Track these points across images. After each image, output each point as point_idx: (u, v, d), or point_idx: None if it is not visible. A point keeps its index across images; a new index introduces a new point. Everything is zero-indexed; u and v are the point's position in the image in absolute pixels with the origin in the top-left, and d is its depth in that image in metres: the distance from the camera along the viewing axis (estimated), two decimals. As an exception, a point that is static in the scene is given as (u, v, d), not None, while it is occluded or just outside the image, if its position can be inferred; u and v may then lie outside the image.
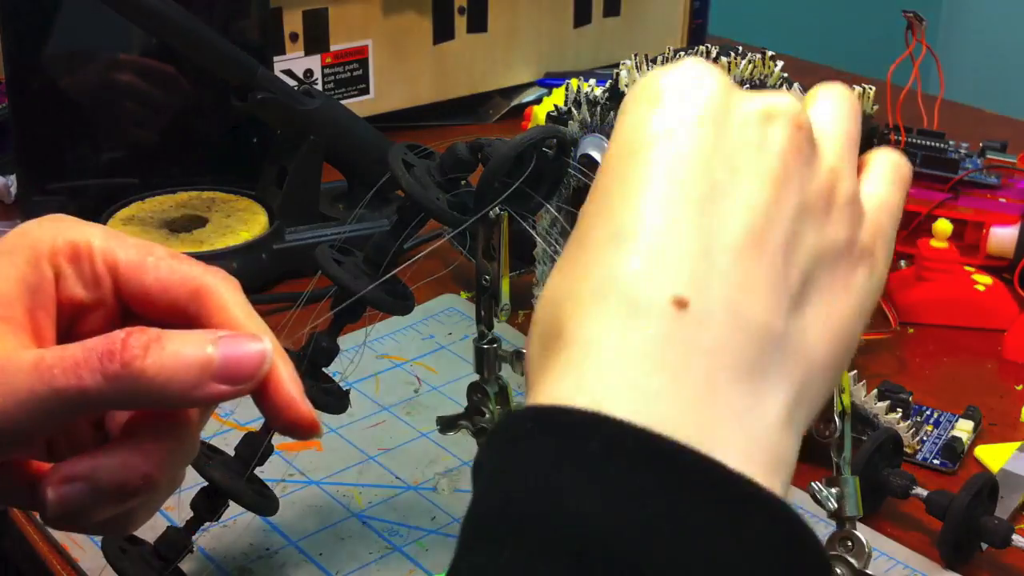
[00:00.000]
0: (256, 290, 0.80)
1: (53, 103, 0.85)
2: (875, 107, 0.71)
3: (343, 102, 0.97)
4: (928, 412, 0.69)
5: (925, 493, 0.58)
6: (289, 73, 1.01)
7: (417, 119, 1.13)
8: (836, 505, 0.47)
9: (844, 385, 0.47)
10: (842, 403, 0.47)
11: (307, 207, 0.84)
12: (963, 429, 0.67)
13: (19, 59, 0.82)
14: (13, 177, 0.91)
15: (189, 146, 0.91)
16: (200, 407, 0.41)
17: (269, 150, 0.87)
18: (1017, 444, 0.66)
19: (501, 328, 0.58)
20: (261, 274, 0.80)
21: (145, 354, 0.36)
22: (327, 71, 1.04)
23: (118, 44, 0.88)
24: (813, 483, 0.47)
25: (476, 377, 0.58)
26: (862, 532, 0.47)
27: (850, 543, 0.47)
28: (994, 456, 0.65)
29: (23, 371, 0.36)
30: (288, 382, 0.40)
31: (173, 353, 0.37)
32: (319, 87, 1.03)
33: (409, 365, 0.73)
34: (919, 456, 0.65)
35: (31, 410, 0.36)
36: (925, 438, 0.66)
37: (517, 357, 0.57)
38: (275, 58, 0.98)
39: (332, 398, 0.55)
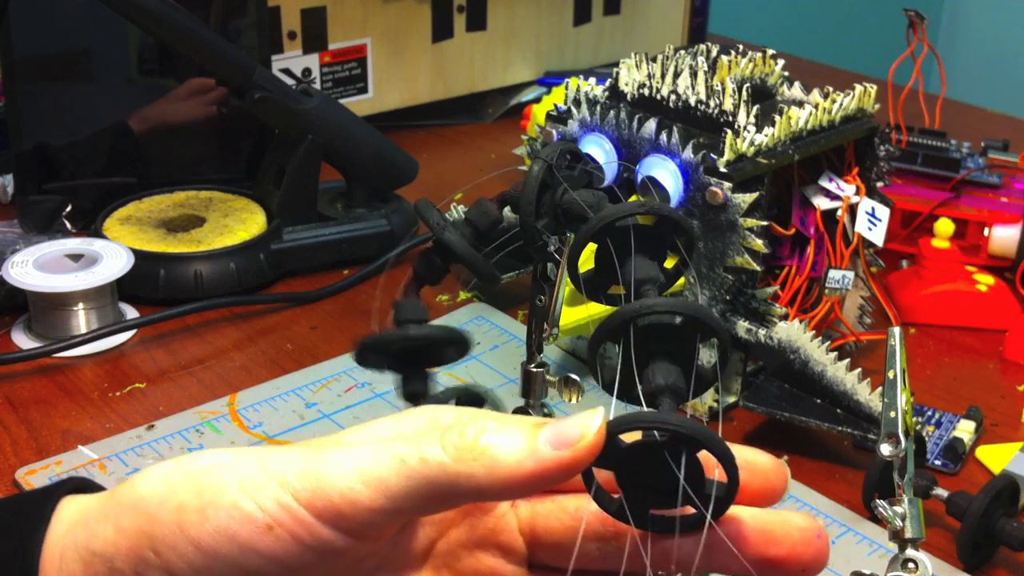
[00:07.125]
0: (254, 290, 0.80)
1: (50, 102, 0.85)
2: (876, 106, 0.71)
3: (341, 101, 0.96)
4: (929, 412, 0.69)
5: (946, 494, 0.58)
6: (287, 72, 1.01)
7: (416, 118, 1.12)
8: (901, 524, 0.46)
9: (907, 407, 0.46)
10: (906, 423, 0.46)
11: (305, 207, 0.84)
12: (965, 430, 0.66)
13: (16, 58, 0.82)
14: (9, 176, 0.91)
15: (186, 145, 0.91)
16: None
17: (267, 150, 0.86)
18: (1019, 445, 0.65)
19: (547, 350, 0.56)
20: (259, 274, 0.80)
21: None
22: (325, 70, 1.03)
23: (116, 44, 0.87)
24: (878, 501, 0.47)
25: (511, 390, 0.56)
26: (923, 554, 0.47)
27: (912, 564, 0.47)
28: (996, 457, 0.65)
29: None
30: None
31: None
32: (317, 86, 1.02)
33: (438, 375, 0.72)
34: (920, 457, 0.65)
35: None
36: (927, 439, 0.66)
37: (565, 384, 0.55)
38: (273, 57, 0.98)
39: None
